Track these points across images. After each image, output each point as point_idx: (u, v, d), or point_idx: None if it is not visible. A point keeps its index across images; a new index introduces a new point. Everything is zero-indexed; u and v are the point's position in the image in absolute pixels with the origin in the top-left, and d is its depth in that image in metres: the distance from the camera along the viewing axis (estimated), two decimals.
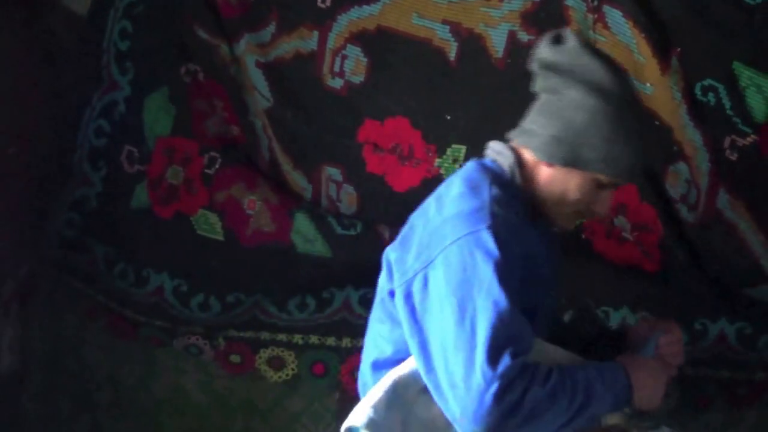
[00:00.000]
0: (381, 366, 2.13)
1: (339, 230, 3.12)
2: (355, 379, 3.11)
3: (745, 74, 2.82)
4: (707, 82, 2.86)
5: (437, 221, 2.05)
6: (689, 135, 2.88)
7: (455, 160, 3.04)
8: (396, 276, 2.07)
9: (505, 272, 1.94)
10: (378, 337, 2.17)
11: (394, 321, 2.10)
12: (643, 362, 2.11)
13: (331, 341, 3.18)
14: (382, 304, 2.16)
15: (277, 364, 3.20)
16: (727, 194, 2.89)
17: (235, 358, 3.20)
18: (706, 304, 2.97)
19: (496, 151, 2.18)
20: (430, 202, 2.15)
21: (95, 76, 3.15)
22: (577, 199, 2.14)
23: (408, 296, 2.02)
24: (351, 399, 3.14)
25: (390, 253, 2.13)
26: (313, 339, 3.18)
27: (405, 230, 2.16)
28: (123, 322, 3.18)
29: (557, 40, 2.19)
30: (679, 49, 2.85)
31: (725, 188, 2.89)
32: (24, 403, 3.18)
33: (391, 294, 2.09)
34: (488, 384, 1.86)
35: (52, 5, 3.10)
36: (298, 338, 3.18)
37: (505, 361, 1.86)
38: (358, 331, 3.14)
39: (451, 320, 1.93)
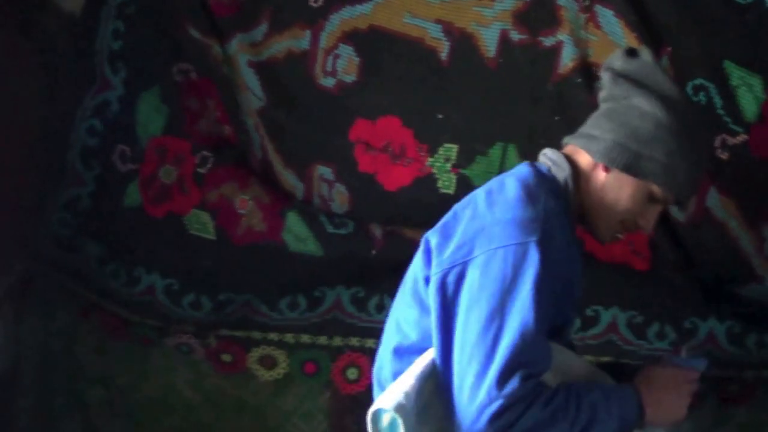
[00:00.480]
0: (404, 352, 2.10)
1: (330, 229, 3.11)
2: (346, 378, 3.17)
3: (736, 73, 2.83)
4: (698, 81, 2.86)
5: (487, 219, 2.02)
6: None
7: (447, 160, 3.04)
8: (437, 263, 2.04)
9: (542, 292, 1.93)
10: (403, 321, 2.13)
11: (423, 307, 2.07)
12: (659, 376, 2.10)
13: (322, 340, 3.17)
14: (413, 288, 2.12)
15: (268, 363, 3.19)
16: (718, 193, 2.89)
17: (226, 357, 3.20)
18: (695, 303, 2.96)
19: (552, 161, 2.18)
20: (478, 195, 2.12)
21: (88, 76, 3.14)
22: (627, 208, 2.15)
23: (441, 286, 2.00)
24: (342, 398, 3.18)
25: (430, 238, 2.10)
26: (305, 338, 3.18)
27: (447, 218, 2.13)
28: (115, 320, 3.18)
29: (632, 53, 2.23)
30: (670, 49, 2.86)
31: (715, 187, 2.89)
32: (16, 401, 3.17)
33: (427, 280, 2.07)
34: (490, 401, 1.86)
35: (45, 5, 3.10)
36: (289, 337, 3.18)
37: (513, 383, 1.86)
38: (350, 330, 3.17)
39: (476, 327, 1.91)
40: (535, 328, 1.90)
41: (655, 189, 2.15)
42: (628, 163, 2.13)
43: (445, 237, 2.07)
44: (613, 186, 2.15)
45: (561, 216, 2.06)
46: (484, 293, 1.94)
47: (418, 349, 2.07)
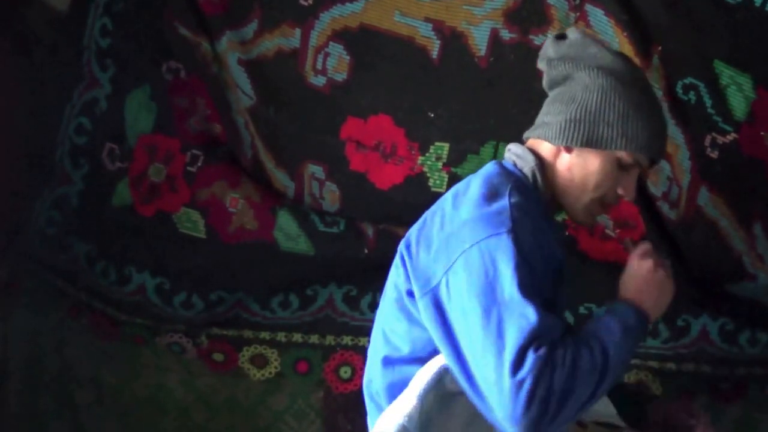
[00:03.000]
0: (394, 363, 2.11)
1: (322, 228, 3.11)
2: (338, 377, 3.18)
3: (726, 73, 2.84)
4: (688, 80, 2.87)
5: (456, 223, 2.03)
6: (670, 133, 2.88)
7: (438, 158, 3.04)
8: (416, 277, 2.05)
9: (526, 275, 1.93)
10: (391, 333, 2.14)
11: (411, 319, 2.08)
12: (625, 275, 2.13)
13: (314, 339, 3.18)
14: (398, 301, 2.13)
15: (260, 362, 3.19)
16: (708, 192, 2.90)
17: (218, 357, 3.19)
18: (688, 301, 2.97)
19: (516, 155, 2.19)
20: (446, 199, 2.14)
21: (76, 74, 3.12)
22: (599, 182, 2.15)
23: (437, 304, 2.00)
24: (335, 397, 3.18)
25: (404, 249, 2.12)
26: (297, 337, 3.18)
27: (419, 225, 2.15)
28: (105, 320, 3.17)
29: (560, 37, 2.25)
30: (660, 48, 2.87)
31: (706, 186, 2.90)
32: (6, 401, 3.16)
33: (409, 293, 2.08)
34: (518, 388, 1.85)
35: (31, 1, 3.07)
36: (281, 336, 3.18)
37: (530, 360, 1.86)
38: (342, 328, 3.17)
39: (477, 326, 1.91)
40: (533, 306, 1.90)
41: (622, 155, 2.15)
42: (586, 137, 2.14)
43: (420, 246, 2.08)
44: (579, 164, 2.16)
45: (530, 206, 2.07)
46: (472, 294, 1.94)
47: (412, 360, 2.08)
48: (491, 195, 2.04)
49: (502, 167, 2.17)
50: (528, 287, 1.92)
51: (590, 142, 2.14)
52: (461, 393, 2.00)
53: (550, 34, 2.28)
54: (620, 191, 2.19)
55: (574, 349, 1.91)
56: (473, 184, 2.10)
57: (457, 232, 2.02)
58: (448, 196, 2.15)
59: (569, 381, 1.88)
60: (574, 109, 2.15)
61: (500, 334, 1.89)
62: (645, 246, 2.17)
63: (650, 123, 2.16)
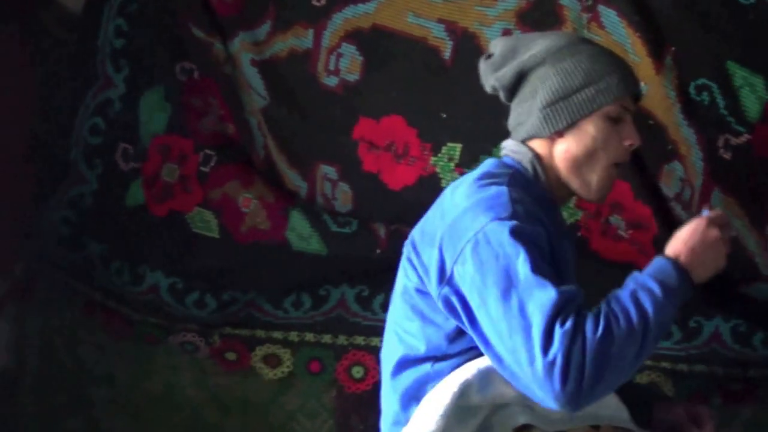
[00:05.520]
0: (411, 363, 2.09)
1: (334, 228, 3.12)
2: (351, 377, 3.18)
3: (739, 74, 2.84)
4: (701, 81, 2.87)
5: (456, 211, 2.01)
6: (683, 134, 2.90)
7: (450, 159, 3.05)
8: (425, 273, 2.04)
9: (536, 253, 1.92)
10: (404, 333, 2.12)
11: (424, 318, 2.07)
12: (682, 232, 2.03)
13: (327, 339, 3.18)
14: (408, 301, 2.11)
15: (272, 361, 3.20)
16: (721, 193, 2.89)
17: (230, 356, 3.20)
18: (700, 302, 2.96)
19: (512, 150, 2.18)
20: (444, 195, 2.13)
21: (90, 74, 3.15)
22: (602, 144, 2.12)
23: (453, 296, 1.98)
24: (348, 396, 3.19)
25: (409, 248, 2.11)
26: (309, 336, 3.19)
27: (421, 223, 2.14)
28: (119, 319, 3.19)
29: (487, 57, 2.26)
30: (673, 49, 2.86)
31: (719, 187, 2.89)
32: (20, 400, 3.18)
33: (419, 292, 2.07)
34: (551, 365, 1.82)
35: (46, 3, 3.10)
36: (293, 336, 3.19)
37: (557, 336, 1.83)
38: (354, 328, 3.18)
39: (498, 312, 1.89)
40: (549, 282, 1.87)
41: (607, 109, 2.12)
42: (568, 113, 2.11)
43: (423, 242, 2.07)
44: (576, 140, 2.12)
45: (530, 194, 2.05)
46: (487, 281, 1.92)
47: (427, 358, 2.06)
48: (488, 182, 2.04)
49: (501, 162, 2.17)
50: (540, 264, 1.90)
51: (573, 115, 2.11)
52: (483, 406, 1.99)
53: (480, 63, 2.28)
54: (626, 143, 2.14)
55: (607, 316, 1.88)
56: (471, 175, 2.10)
57: (458, 221, 2.00)
58: (447, 191, 2.13)
59: (604, 349, 1.84)
60: (541, 97, 2.12)
61: (524, 315, 1.87)
62: (721, 213, 2.08)
63: (612, 66, 2.13)
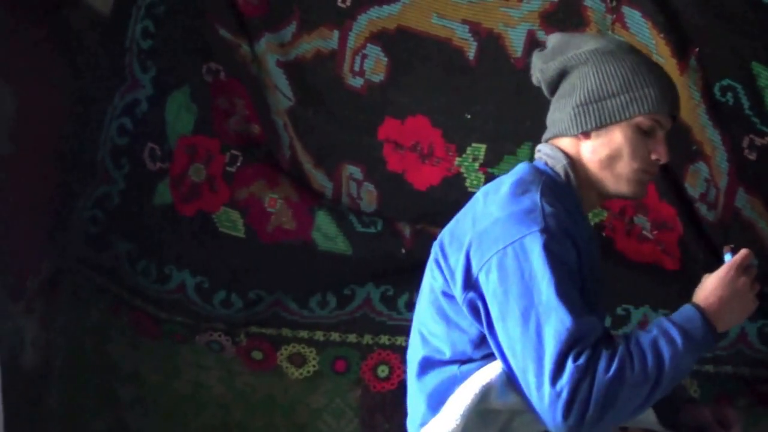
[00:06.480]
0: (437, 365, 2.10)
1: (359, 228, 3.14)
2: (376, 376, 3.19)
3: (764, 74, 2.84)
4: (726, 82, 2.88)
5: (488, 221, 2.03)
6: (708, 134, 2.90)
7: (475, 159, 3.06)
8: (452, 278, 2.05)
9: (563, 274, 1.93)
10: (430, 336, 2.13)
11: (449, 322, 2.08)
12: (711, 279, 2.04)
13: (352, 338, 3.19)
14: (434, 303, 2.12)
15: (298, 360, 3.21)
16: (746, 193, 2.90)
17: (256, 355, 3.22)
18: None
19: (547, 155, 2.18)
20: (477, 199, 2.14)
21: (117, 75, 3.16)
22: (629, 154, 2.12)
23: (475, 304, 2.00)
24: (373, 395, 3.20)
25: (438, 250, 2.12)
26: (335, 336, 3.20)
27: (451, 226, 2.15)
28: (146, 318, 3.20)
29: (543, 48, 2.28)
30: (697, 50, 2.87)
31: (744, 187, 2.90)
32: (47, 399, 3.19)
33: (445, 294, 2.08)
34: (557, 397, 1.86)
35: (75, 4, 3.12)
36: (319, 335, 3.20)
37: (568, 370, 1.85)
38: (379, 328, 3.19)
39: (516, 330, 1.92)
40: (571, 309, 1.89)
41: (639, 120, 2.12)
42: (598, 116, 2.12)
43: (452, 246, 2.08)
44: (603, 143, 2.13)
45: (563, 202, 2.05)
46: (510, 296, 1.94)
47: (451, 362, 2.07)
48: (522, 192, 2.04)
49: (534, 167, 2.16)
50: (565, 288, 1.91)
51: (603, 119, 2.12)
52: (503, 411, 2.02)
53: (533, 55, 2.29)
54: (653, 157, 2.15)
55: (622, 358, 1.89)
56: (504, 183, 2.10)
57: (489, 230, 2.01)
58: (479, 195, 2.14)
59: (612, 391, 1.87)
60: (577, 96, 2.14)
61: (539, 339, 1.89)
62: (746, 253, 2.07)
63: (654, 80, 2.14)
